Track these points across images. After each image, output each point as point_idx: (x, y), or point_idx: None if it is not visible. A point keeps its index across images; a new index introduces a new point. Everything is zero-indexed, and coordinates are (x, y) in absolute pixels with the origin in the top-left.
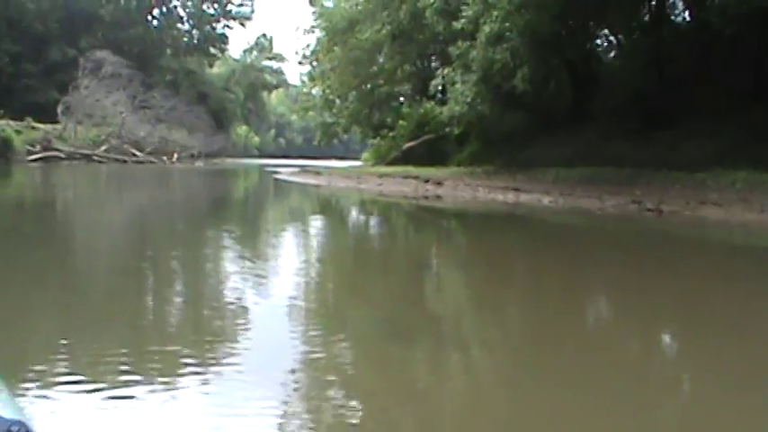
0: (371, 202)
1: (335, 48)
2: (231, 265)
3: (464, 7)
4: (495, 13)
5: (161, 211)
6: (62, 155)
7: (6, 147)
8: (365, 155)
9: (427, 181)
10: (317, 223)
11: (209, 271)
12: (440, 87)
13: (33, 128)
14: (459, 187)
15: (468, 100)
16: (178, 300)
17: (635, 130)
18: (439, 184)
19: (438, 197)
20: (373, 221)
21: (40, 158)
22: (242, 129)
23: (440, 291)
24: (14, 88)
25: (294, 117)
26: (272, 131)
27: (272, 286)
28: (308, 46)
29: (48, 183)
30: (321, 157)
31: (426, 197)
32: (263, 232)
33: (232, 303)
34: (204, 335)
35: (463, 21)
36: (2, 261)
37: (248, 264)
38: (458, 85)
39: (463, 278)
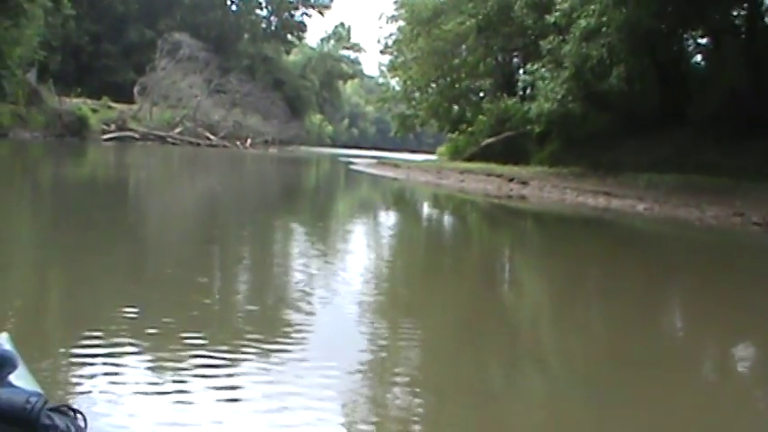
0: (453, 199)
1: (419, 38)
2: (307, 257)
3: (558, 0)
4: (593, 7)
5: (242, 200)
6: (136, 135)
7: (82, 125)
8: (441, 149)
9: (511, 180)
10: (397, 218)
11: (281, 261)
12: (527, 83)
13: (109, 107)
14: (545, 188)
15: (559, 97)
16: (245, 287)
17: (729, 136)
18: (524, 183)
19: (522, 197)
20: (454, 220)
21: (115, 138)
22: (316, 117)
23: (520, 297)
24: (93, 67)
25: (368, 108)
26: (346, 121)
27: (348, 280)
28: (390, 35)
29: (122, 163)
30: (394, 149)
31: (510, 197)
32: (344, 225)
33: (300, 294)
34: (268, 323)
35: (557, 14)
36: (72, 239)
37: (325, 257)
38: (547, 82)
39: (546, 285)
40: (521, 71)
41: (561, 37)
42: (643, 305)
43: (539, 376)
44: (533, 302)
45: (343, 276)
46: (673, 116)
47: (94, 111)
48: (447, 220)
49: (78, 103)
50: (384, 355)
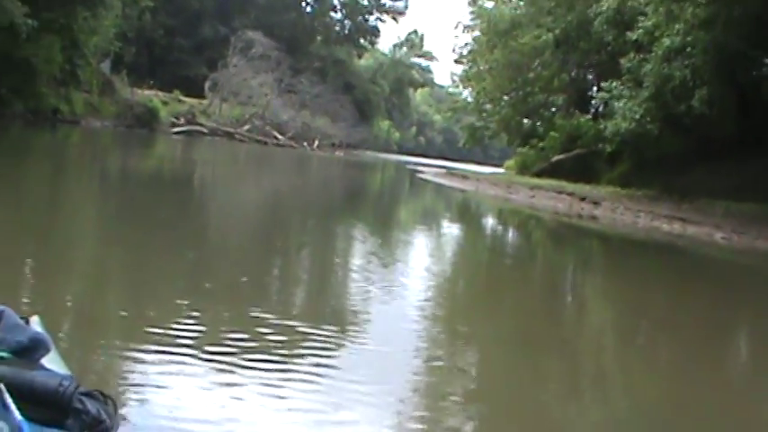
0: (522, 215)
1: (494, 49)
2: (370, 267)
3: (641, 18)
4: (678, 26)
5: (308, 203)
6: (204, 130)
7: (152, 117)
8: (509, 162)
9: (583, 199)
10: (464, 232)
11: (342, 269)
12: (603, 101)
13: (180, 101)
14: (617, 210)
15: (637, 117)
16: (303, 293)
17: None
18: (595, 203)
19: (593, 218)
20: (522, 237)
21: (183, 131)
22: (384, 123)
23: (583, 321)
24: (166, 61)
25: (437, 116)
26: (414, 129)
27: (409, 294)
28: (465, 45)
29: (190, 157)
30: (460, 160)
31: (581, 216)
32: (411, 236)
33: (360, 305)
34: (322, 331)
35: (639, 32)
36: (135, 234)
37: (388, 267)
38: (625, 101)
39: (611, 312)
40: (594, 88)
41: (642, 55)
42: (713, 344)
43: (595, 402)
44: (596, 327)
45: (404, 289)
46: (751, 143)
47: (165, 103)
48: (514, 236)
49: (150, 95)
50: (440, 372)
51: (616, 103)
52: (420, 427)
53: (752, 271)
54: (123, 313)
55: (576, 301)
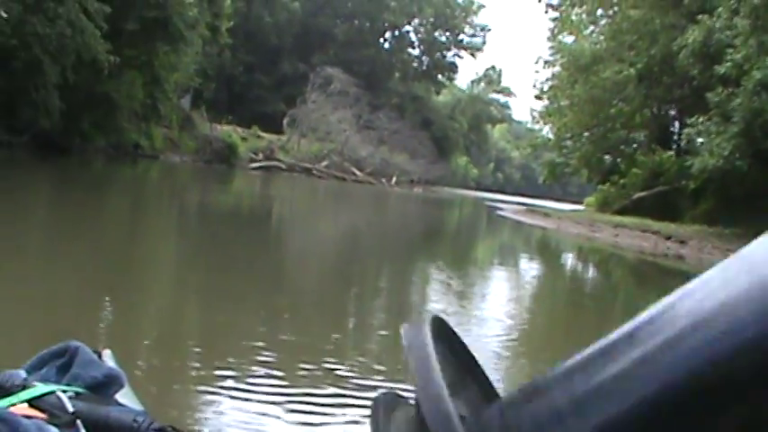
0: (605, 254)
1: (575, 85)
2: (452, 305)
3: (729, 50)
4: None
5: (386, 243)
6: (283, 165)
7: (231, 152)
8: (589, 199)
9: (668, 238)
10: (549, 272)
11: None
12: (690, 136)
13: (258, 136)
14: (704, 249)
15: (726, 153)
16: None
17: None
18: (681, 242)
19: (680, 257)
20: (607, 277)
21: (262, 167)
22: (462, 159)
23: None
24: (245, 97)
25: (515, 153)
26: (491, 165)
27: (487, 335)
28: (546, 80)
29: (268, 193)
30: (538, 197)
31: (666, 255)
32: (497, 277)
33: None
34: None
35: (728, 65)
36: (216, 273)
37: (468, 311)
38: (713, 136)
39: None
40: (676, 123)
41: (730, 89)
42: None
43: None
44: None
45: (485, 332)
46: None
47: (244, 139)
48: (597, 276)
49: (228, 131)
50: None
51: (703, 139)
52: None
53: None
54: (197, 350)
55: None
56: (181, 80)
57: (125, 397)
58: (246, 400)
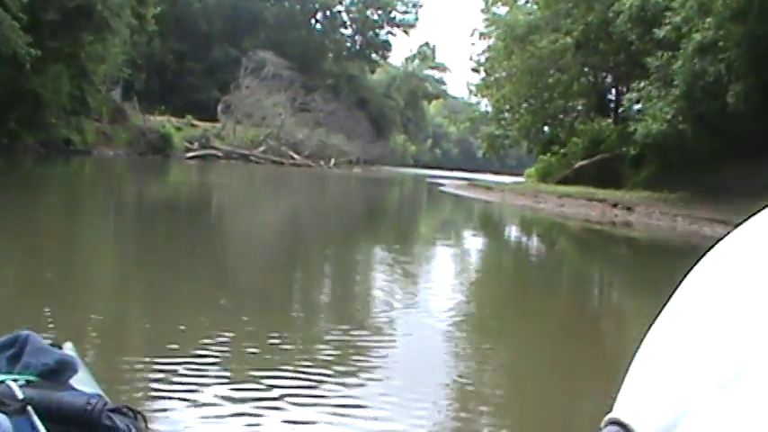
0: (553, 224)
1: (512, 56)
2: (397, 287)
3: (668, 13)
4: (709, 20)
5: (330, 227)
6: (219, 153)
7: (166, 143)
8: (529, 170)
9: (615, 205)
10: (500, 244)
11: (381, 285)
12: (632, 102)
13: (193, 125)
14: (653, 215)
15: (669, 117)
16: (323, 312)
17: None
18: (629, 209)
19: (627, 224)
20: (555, 247)
21: (198, 156)
22: (400, 137)
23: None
24: (177, 86)
25: (452, 128)
26: (429, 141)
27: (438, 310)
28: (482, 52)
29: (206, 182)
30: (476, 171)
31: (614, 223)
32: (452, 251)
33: (384, 322)
34: (345, 348)
35: (667, 28)
36: (152, 259)
37: (427, 281)
38: (655, 101)
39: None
40: (613, 91)
41: (670, 53)
42: None
43: None
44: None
45: (438, 306)
46: None
47: (178, 129)
48: (546, 246)
49: (162, 121)
50: (471, 395)
51: (643, 105)
52: None
53: None
54: (149, 333)
55: (614, 316)
56: (109, 71)
57: (82, 382)
58: (196, 390)
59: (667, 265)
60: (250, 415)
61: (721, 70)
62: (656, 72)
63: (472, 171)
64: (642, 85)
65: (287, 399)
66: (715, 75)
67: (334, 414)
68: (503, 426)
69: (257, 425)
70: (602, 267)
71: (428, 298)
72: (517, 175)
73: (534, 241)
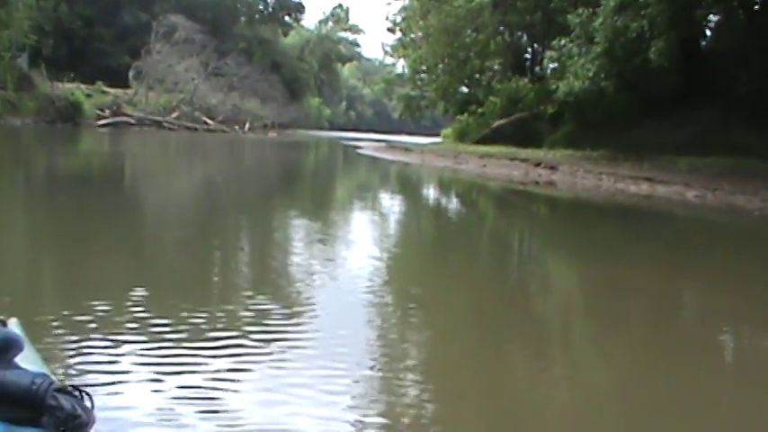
0: (476, 185)
1: (429, 15)
2: (325, 254)
3: None
4: None
5: (246, 194)
6: (132, 120)
7: (76, 111)
8: (446, 131)
9: (538, 164)
10: (422, 206)
11: (296, 257)
12: (552, 60)
13: (104, 92)
14: (577, 174)
15: (590, 75)
16: (245, 278)
17: (762, 116)
18: (552, 168)
19: (551, 183)
20: (476, 208)
21: (110, 124)
22: (314, 100)
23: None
24: (87, 52)
25: (366, 90)
26: (344, 104)
27: (362, 275)
28: (398, 12)
29: (117, 150)
30: (391, 132)
31: (537, 183)
32: (378, 214)
33: (306, 288)
34: (270, 312)
35: None
36: (68, 231)
37: (345, 251)
38: (576, 58)
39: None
40: (529, 50)
41: (591, 9)
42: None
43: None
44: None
45: (357, 271)
46: (696, 96)
47: (88, 96)
48: (469, 208)
49: (71, 88)
50: (395, 350)
51: (557, 64)
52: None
53: (741, 232)
54: (96, 308)
55: (547, 276)
56: (14, 37)
57: (27, 361)
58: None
59: (602, 225)
60: (190, 387)
61: (644, 26)
62: (576, 29)
63: (387, 133)
64: (563, 42)
65: (229, 366)
66: (637, 31)
67: (260, 380)
68: (426, 389)
69: (197, 398)
70: (529, 229)
71: (346, 264)
72: (432, 135)
73: (457, 204)
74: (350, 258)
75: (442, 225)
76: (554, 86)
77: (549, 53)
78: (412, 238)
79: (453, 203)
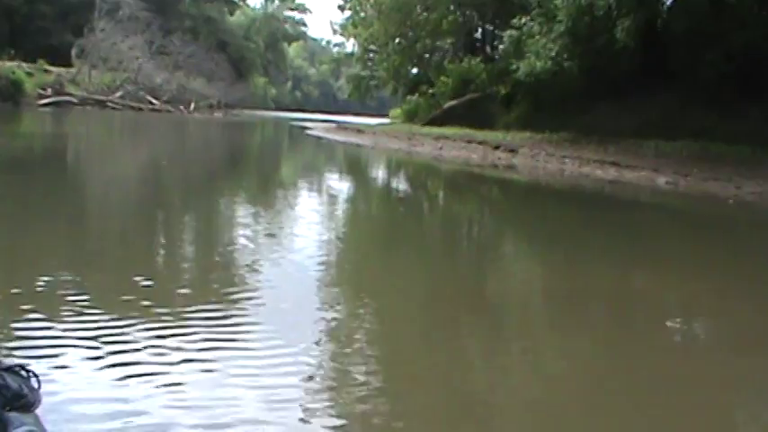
0: (432, 169)
1: None
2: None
3: None
4: None
5: (192, 182)
6: (75, 100)
7: (16, 90)
8: (395, 111)
9: (497, 147)
10: (378, 192)
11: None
12: (512, 39)
13: (46, 71)
14: (538, 157)
15: (552, 54)
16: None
17: (722, 99)
18: (512, 151)
19: (511, 167)
20: (426, 192)
21: (52, 103)
22: (260, 80)
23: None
24: (28, 29)
25: (312, 70)
26: (289, 84)
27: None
28: None
29: (59, 131)
30: (337, 113)
31: (496, 166)
32: (334, 201)
33: (261, 277)
34: (219, 296)
35: None
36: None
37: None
38: (538, 37)
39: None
40: (479, 30)
41: None
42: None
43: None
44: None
45: (312, 261)
46: (653, 77)
47: (29, 74)
48: (429, 194)
49: (12, 67)
50: (346, 331)
51: (528, 41)
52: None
53: (721, 221)
54: (41, 288)
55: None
56: None
57: None
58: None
59: (574, 213)
60: (136, 364)
61: (611, 4)
62: (538, 7)
63: (333, 113)
64: (523, 21)
65: (176, 348)
66: (604, 9)
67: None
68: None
69: (143, 374)
70: (489, 216)
71: (298, 251)
72: (379, 116)
73: (414, 189)
74: (305, 247)
75: (399, 211)
76: (514, 66)
77: (508, 32)
78: (366, 224)
79: (410, 188)
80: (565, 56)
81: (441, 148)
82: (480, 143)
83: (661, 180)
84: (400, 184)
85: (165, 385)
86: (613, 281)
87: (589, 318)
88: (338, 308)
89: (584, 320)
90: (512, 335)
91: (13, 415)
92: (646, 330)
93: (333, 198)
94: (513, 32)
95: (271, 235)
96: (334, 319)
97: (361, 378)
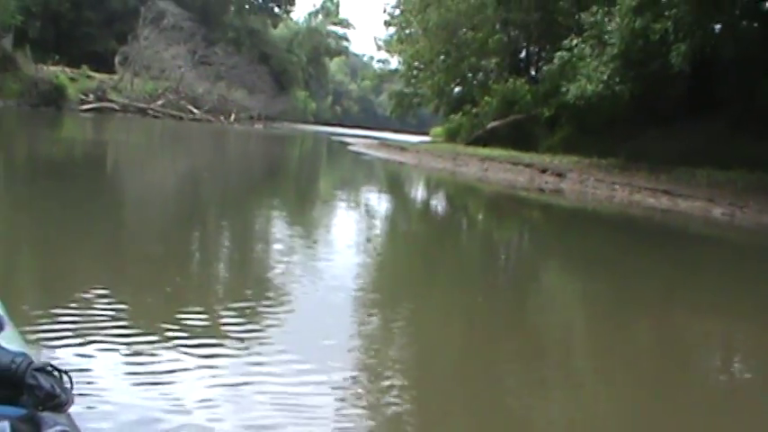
0: (477, 191)
1: (428, 8)
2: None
3: None
4: None
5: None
6: (116, 106)
7: (59, 94)
8: (436, 130)
9: (544, 171)
10: (422, 213)
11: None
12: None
13: (89, 77)
14: (587, 182)
15: (604, 78)
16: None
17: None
18: (559, 175)
19: (558, 192)
20: (469, 217)
21: (93, 109)
22: (301, 93)
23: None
24: (73, 35)
25: (353, 86)
26: (330, 98)
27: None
28: (397, 5)
29: (100, 138)
30: (376, 129)
31: (542, 190)
32: (386, 222)
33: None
34: (251, 311)
35: None
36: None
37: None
38: (589, 60)
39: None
40: (524, 51)
41: (606, 8)
42: None
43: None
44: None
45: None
46: (700, 105)
47: (73, 80)
48: (461, 217)
49: (56, 72)
50: (371, 359)
51: (579, 64)
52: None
53: None
54: (76, 293)
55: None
56: (0, 18)
57: (8, 340)
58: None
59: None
60: (169, 378)
61: (668, 28)
62: (591, 30)
63: (372, 129)
64: (575, 42)
65: (210, 357)
66: (660, 33)
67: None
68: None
69: (173, 382)
70: (537, 243)
71: (347, 273)
72: (418, 134)
73: (462, 212)
74: (358, 272)
75: (448, 235)
76: (564, 89)
77: (558, 53)
78: (415, 246)
79: (455, 211)
80: (617, 79)
81: (486, 170)
82: (527, 166)
83: (717, 211)
84: (449, 207)
85: (194, 395)
86: (675, 327)
87: (640, 363)
88: (374, 333)
89: (633, 364)
90: (556, 377)
91: (46, 415)
92: (702, 381)
93: (380, 220)
94: (564, 54)
95: (309, 255)
96: (371, 346)
97: (395, 409)
